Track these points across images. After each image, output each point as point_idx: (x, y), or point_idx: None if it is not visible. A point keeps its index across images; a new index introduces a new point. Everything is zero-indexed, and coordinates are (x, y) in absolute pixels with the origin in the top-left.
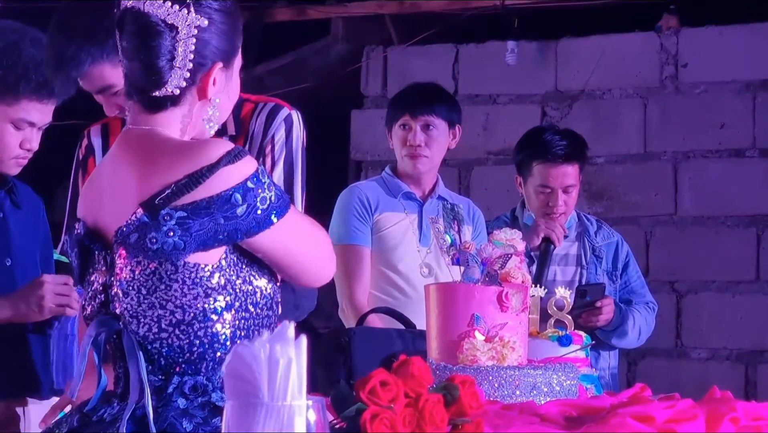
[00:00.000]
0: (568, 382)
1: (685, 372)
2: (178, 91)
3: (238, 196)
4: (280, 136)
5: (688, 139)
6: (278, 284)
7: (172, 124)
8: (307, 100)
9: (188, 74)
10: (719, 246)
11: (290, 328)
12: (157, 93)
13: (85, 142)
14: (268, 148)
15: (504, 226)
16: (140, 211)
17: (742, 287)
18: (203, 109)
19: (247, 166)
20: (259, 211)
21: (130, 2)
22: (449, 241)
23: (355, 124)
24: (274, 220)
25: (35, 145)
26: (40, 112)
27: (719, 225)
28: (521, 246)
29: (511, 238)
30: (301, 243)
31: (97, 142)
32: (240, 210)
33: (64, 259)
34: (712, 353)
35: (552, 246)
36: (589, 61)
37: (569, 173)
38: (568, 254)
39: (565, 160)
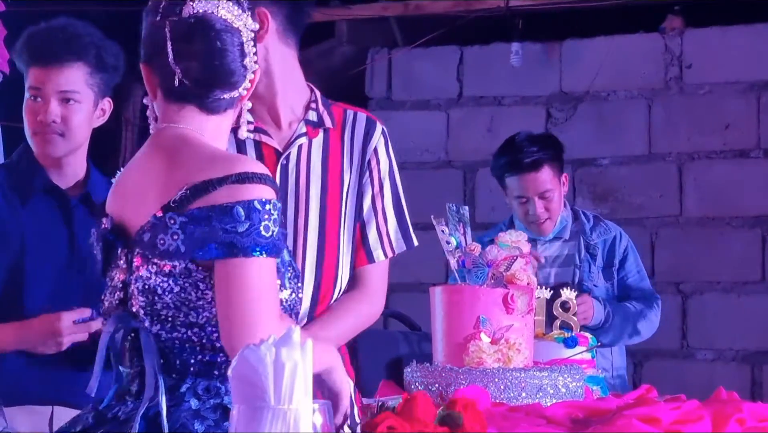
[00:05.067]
0: (574, 384)
1: (690, 373)
2: (245, 92)
3: (241, 211)
4: (383, 151)
5: (693, 140)
6: (301, 294)
7: (218, 127)
8: None
9: (252, 76)
10: (724, 247)
11: (296, 332)
12: (223, 95)
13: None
14: (374, 162)
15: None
16: (159, 213)
17: (747, 288)
18: (244, 113)
19: (257, 190)
20: (260, 236)
21: (199, 7)
22: (454, 243)
23: None
24: (267, 252)
25: (48, 117)
26: (46, 76)
27: (724, 226)
28: (527, 248)
29: (517, 240)
30: (249, 293)
31: None
32: (241, 227)
33: None
34: (718, 354)
35: None
36: (593, 62)
37: (541, 179)
38: (563, 254)
39: (533, 168)
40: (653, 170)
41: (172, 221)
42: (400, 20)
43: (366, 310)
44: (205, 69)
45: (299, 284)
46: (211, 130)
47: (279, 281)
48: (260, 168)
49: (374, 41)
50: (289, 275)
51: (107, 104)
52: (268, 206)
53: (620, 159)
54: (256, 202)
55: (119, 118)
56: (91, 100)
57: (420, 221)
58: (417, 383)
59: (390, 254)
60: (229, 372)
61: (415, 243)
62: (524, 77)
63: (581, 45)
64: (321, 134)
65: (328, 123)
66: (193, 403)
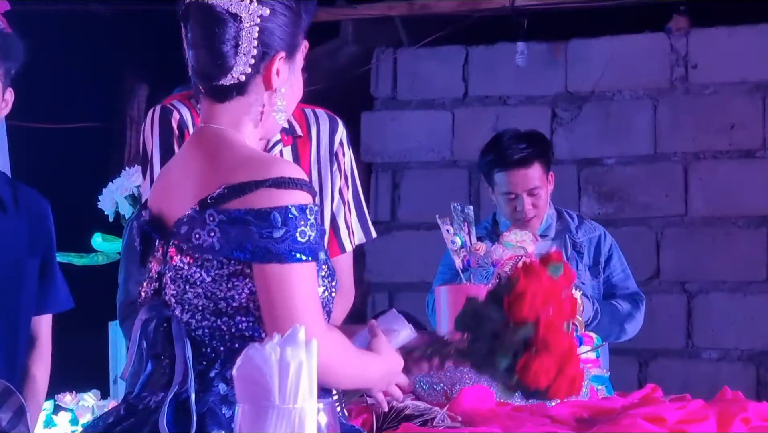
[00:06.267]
0: None
1: (696, 373)
2: (243, 78)
3: (278, 217)
4: (346, 144)
5: (699, 140)
6: (334, 293)
7: (242, 117)
8: (316, 102)
9: (252, 61)
10: (730, 247)
11: (301, 331)
12: (223, 81)
13: (176, 116)
14: (340, 154)
15: (484, 232)
16: (196, 207)
17: (753, 288)
18: (271, 100)
19: (294, 195)
20: (296, 242)
21: None
22: (459, 243)
23: (365, 126)
24: (303, 258)
25: None
26: None
27: (730, 226)
28: (532, 247)
29: (522, 239)
30: (292, 299)
31: (185, 114)
32: (278, 233)
33: (78, 261)
34: (724, 354)
35: None
36: (599, 62)
37: (531, 176)
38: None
39: (524, 164)
40: (659, 170)
41: (212, 218)
42: (406, 20)
43: (344, 305)
44: (198, 56)
45: (333, 283)
46: (227, 121)
47: None
48: (297, 172)
49: (380, 41)
50: (323, 273)
51: (9, 94)
52: (305, 212)
53: (626, 159)
54: (292, 208)
55: (124, 117)
56: None
57: (425, 221)
58: (422, 383)
59: (353, 245)
60: (234, 372)
61: (373, 234)
62: (529, 77)
63: (587, 45)
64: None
65: (299, 131)
66: (222, 388)
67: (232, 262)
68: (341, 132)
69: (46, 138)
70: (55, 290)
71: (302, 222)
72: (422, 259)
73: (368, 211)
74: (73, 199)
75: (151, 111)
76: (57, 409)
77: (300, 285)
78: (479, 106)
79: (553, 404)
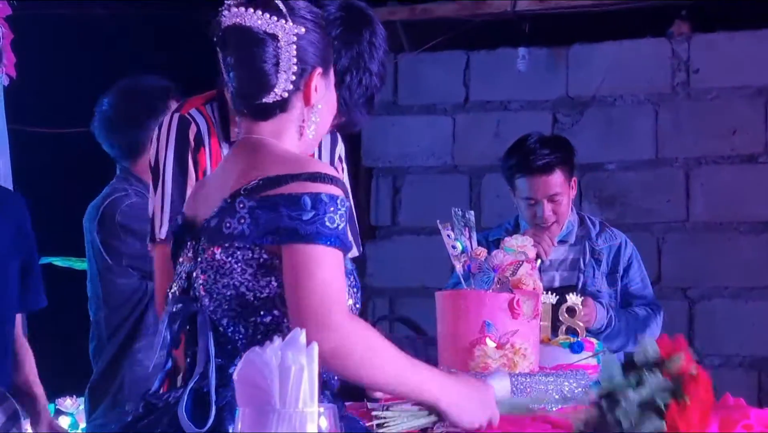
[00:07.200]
0: (580, 389)
1: None
2: (286, 95)
3: (308, 200)
4: (344, 158)
5: (700, 145)
6: (359, 305)
7: (283, 132)
8: None
9: (293, 77)
10: (732, 252)
11: (302, 335)
12: (266, 99)
13: (194, 128)
14: (339, 169)
15: (505, 233)
16: (228, 198)
17: (755, 293)
18: (308, 116)
19: (326, 187)
20: (324, 226)
21: (231, 19)
22: (460, 248)
23: (366, 130)
24: (329, 242)
25: None
26: None
27: (731, 231)
28: (533, 253)
29: (523, 245)
30: (315, 281)
31: (203, 126)
32: (306, 216)
33: (78, 265)
34: (725, 360)
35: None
36: (600, 67)
37: (552, 183)
38: (568, 258)
39: (546, 171)
40: (660, 175)
41: (241, 205)
42: (407, 24)
43: None
44: (240, 77)
45: (359, 295)
46: (268, 133)
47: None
48: (332, 171)
49: None
50: (350, 282)
51: None
52: (336, 201)
53: (627, 164)
54: (323, 195)
55: None
56: None
57: (426, 226)
58: None
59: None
60: (235, 375)
61: (360, 250)
62: (531, 82)
63: (588, 50)
64: None
65: None
66: None
67: (262, 252)
68: (340, 147)
69: (47, 142)
70: (36, 289)
71: (332, 209)
72: (423, 264)
73: (369, 216)
74: (73, 204)
75: (167, 118)
76: (58, 413)
77: (325, 269)
78: (480, 111)
79: (554, 409)
